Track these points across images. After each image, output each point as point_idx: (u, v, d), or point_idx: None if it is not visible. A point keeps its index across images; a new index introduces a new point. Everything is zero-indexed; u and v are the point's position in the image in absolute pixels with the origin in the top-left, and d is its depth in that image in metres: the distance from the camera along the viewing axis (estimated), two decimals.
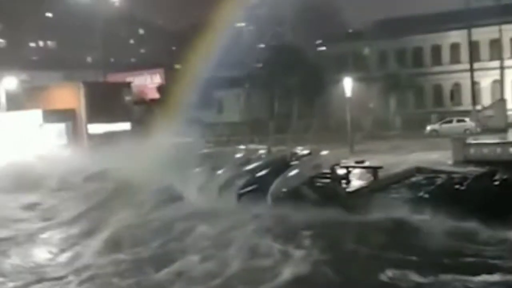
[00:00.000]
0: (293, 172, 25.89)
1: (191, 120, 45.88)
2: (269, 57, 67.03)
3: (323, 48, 72.35)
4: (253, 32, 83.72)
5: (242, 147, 36.48)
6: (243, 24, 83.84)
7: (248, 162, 28.66)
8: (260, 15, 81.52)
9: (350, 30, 75.81)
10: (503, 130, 44.15)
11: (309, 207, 23.42)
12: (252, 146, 37.52)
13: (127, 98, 52.49)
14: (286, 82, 61.72)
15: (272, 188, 24.79)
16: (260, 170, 27.23)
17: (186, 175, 28.06)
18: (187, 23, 79.33)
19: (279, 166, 27.45)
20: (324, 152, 28.83)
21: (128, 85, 55.06)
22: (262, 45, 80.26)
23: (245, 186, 25.97)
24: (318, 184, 26.91)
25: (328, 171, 27.72)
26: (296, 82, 61.21)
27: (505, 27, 56.53)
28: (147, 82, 65.41)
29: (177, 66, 66.22)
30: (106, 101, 47.47)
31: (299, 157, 29.14)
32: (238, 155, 30.89)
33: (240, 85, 66.93)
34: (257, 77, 65.13)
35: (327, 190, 26.25)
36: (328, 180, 27.51)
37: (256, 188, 25.83)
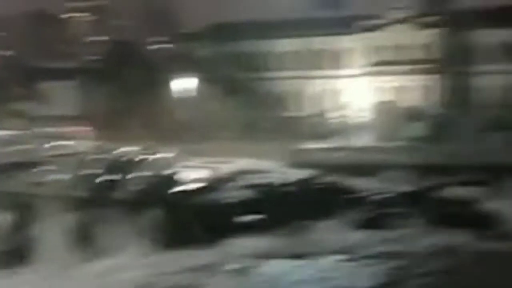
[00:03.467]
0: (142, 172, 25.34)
1: (13, 112, 42.67)
2: (106, 50, 64.56)
3: (163, 45, 71.26)
4: (86, 23, 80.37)
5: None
6: (79, 15, 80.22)
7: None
8: (99, 7, 78.62)
9: (190, 31, 75.51)
10: (328, 137, 46.22)
11: None
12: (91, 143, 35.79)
13: None
14: (123, 77, 59.76)
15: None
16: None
17: None
18: (13, 11, 74.16)
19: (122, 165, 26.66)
20: (165, 153, 28.49)
21: None
22: (98, 38, 77.41)
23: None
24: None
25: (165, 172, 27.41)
26: (134, 79, 59.49)
27: (333, 38, 59.09)
28: None
29: (4, 54, 61.54)
30: None
31: (140, 159, 28.42)
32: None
33: (71, 77, 63.61)
34: (92, 70, 62.36)
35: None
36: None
37: None
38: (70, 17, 68.44)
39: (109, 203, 24.72)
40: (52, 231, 24.25)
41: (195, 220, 23.92)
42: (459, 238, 24.26)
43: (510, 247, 23.37)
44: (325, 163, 31.29)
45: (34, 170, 26.98)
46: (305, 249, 22.90)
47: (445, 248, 23.52)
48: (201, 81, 56.47)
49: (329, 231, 24.20)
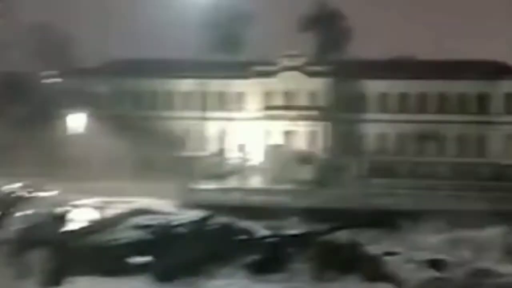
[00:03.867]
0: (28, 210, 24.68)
1: None
2: None
3: (56, 79, 69.56)
4: None
5: None
6: None
7: None
8: None
9: (86, 66, 74.30)
10: (223, 177, 46.87)
11: None
12: None
13: None
14: (12, 110, 57.68)
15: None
16: None
17: None
18: None
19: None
20: (54, 190, 27.79)
21: None
22: None
23: None
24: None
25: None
26: (24, 112, 57.59)
27: (232, 81, 60.67)
28: None
29: None
30: None
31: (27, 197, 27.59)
32: None
33: None
34: None
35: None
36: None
37: None
38: None
39: None
40: None
41: (83, 261, 23.56)
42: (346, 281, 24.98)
43: None
44: (219, 204, 31.53)
45: None
46: None
47: None
48: (95, 117, 55.72)
49: (220, 275, 24.28)
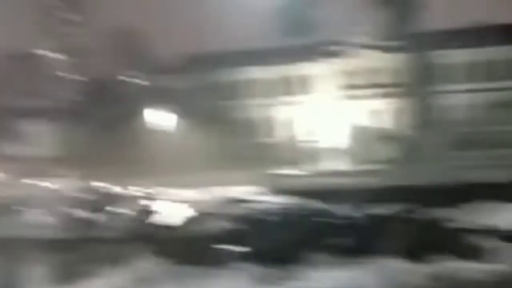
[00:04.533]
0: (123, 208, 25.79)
1: None
2: (82, 88, 64.97)
3: (138, 80, 71.70)
4: (67, 63, 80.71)
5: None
6: (50, 53, 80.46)
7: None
8: (75, 46, 79.00)
9: (166, 64, 76.03)
10: (307, 162, 46.95)
11: None
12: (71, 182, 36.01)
13: None
14: (99, 114, 60.19)
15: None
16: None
17: None
18: None
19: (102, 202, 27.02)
20: (145, 187, 28.84)
21: None
22: (75, 76, 77.68)
23: None
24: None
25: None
26: (110, 115, 59.92)
27: (298, 65, 60.22)
28: None
29: None
30: None
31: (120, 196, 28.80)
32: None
33: (51, 116, 63.84)
34: (71, 109, 62.69)
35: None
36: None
37: None
38: (46, 57, 68.76)
39: (92, 242, 25.03)
40: (36, 273, 24.51)
41: (180, 254, 24.31)
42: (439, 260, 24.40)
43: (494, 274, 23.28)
44: (304, 189, 31.64)
45: (15, 211, 27.19)
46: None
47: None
48: (177, 113, 57.16)
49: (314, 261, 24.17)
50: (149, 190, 29.25)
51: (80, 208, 26.33)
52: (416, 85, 51.67)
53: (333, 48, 55.56)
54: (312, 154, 49.67)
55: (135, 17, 76.73)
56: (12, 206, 27.89)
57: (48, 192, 30.22)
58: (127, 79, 71.66)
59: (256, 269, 23.28)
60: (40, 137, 63.50)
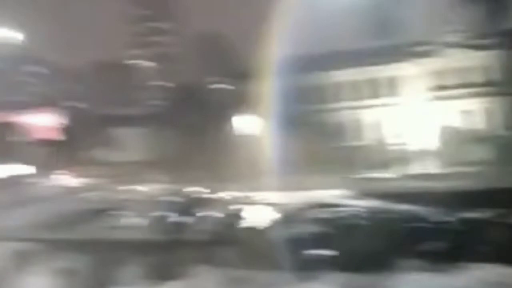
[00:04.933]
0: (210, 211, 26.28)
1: (91, 159, 44.71)
2: (170, 95, 66.77)
3: (224, 85, 72.77)
4: (153, 70, 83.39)
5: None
6: (143, 62, 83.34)
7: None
8: (161, 54, 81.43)
9: (248, 68, 76.71)
10: (394, 165, 45.95)
11: None
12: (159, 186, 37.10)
13: (17, 137, 50.22)
14: (186, 120, 61.53)
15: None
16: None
17: None
18: (82, 60, 77.78)
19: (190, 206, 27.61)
20: (230, 190, 29.15)
21: (16, 124, 52.52)
22: (163, 83, 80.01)
23: None
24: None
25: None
26: (196, 120, 61.12)
27: (385, 66, 59.10)
28: (40, 121, 63.09)
29: (72, 104, 64.42)
30: None
31: (208, 199, 29.31)
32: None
33: (140, 123, 65.99)
34: (159, 115, 64.55)
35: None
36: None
37: None
38: (135, 65, 71.27)
39: (182, 244, 25.58)
40: (130, 274, 25.37)
41: (267, 257, 24.42)
42: None
43: None
44: (391, 192, 31.01)
45: (109, 215, 28.15)
46: None
47: None
48: (263, 117, 57.50)
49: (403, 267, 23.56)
50: (237, 194, 29.54)
51: (170, 211, 26.94)
52: (508, 84, 49.47)
53: (421, 48, 54.12)
54: (401, 157, 48.57)
55: (221, 22, 78.09)
56: (107, 210, 28.92)
57: (140, 196, 31.17)
58: (215, 85, 72.95)
59: (345, 277, 22.95)
60: (132, 142, 65.72)
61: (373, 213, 26.68)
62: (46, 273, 26.40)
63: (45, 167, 43.74)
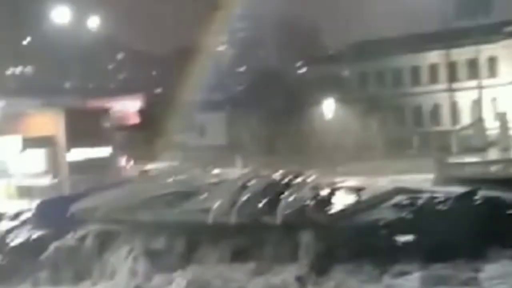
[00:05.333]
0: (292, 195, 26.11)
1: (174, 144, 45.72)
2: (250, 79, 67.27)
3: (304, 70, 72.64)
4: (234, 55, 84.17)
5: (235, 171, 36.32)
6: (224, 48, 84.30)
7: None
8: (242, 39, 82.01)
9: (330, 52, 76.30)
10: (482, 149, 44.39)
11: None
12: (241, 170, 37.40)
13: (107, 123, 52.10)
14: (268, 104, 61.84)
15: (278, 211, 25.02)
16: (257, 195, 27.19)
17: None
18: (168, 48, 79.54)
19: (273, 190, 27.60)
20: (313, 175, 28.98)
21: (107, 110, 54.66)
22: (243, 68, 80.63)
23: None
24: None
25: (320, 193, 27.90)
26: (278, 104, 61.32)
27: (482, 47, 57.21)
28: (127, 107, 65.01)
29: (158, 91, 66.08)
30: (85, 127, 46.93)
31: (290, 181, 29.19)
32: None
33: (222, 108, 66.95)
34: (239, 100, 65.21)
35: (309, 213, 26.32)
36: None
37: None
38: (216, 51, 72.05)
39: (265, 228, 25.62)
40: (213, 257, 25.73)
41: (348, 243, 24.07)
42: None
43: None
44: (481, 177, 29.71)
45: (194, 198, 28.57)
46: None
47: None
48: (344, 101, 56.83)
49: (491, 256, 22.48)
50: (321, 179, 29.27)
51: (254, 195, 27.06)
52: None
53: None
54: (494, 141, 46.64)
55: (305, 5, 77.61)
56: (190, 193, 29.36)
57: (224, 179, 31.46)
58: (298, 69, 72.84)
59: (430, 268, 22.15)
60: (215, 127, 66.74)
61: (458, 200, 25.63)
62: (129, 254, 27.17)
63: (130, 152, 44.97)
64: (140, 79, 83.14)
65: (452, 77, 57.90)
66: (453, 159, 33.91)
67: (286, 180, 29.04)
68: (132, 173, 38.98)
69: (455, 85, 57.55)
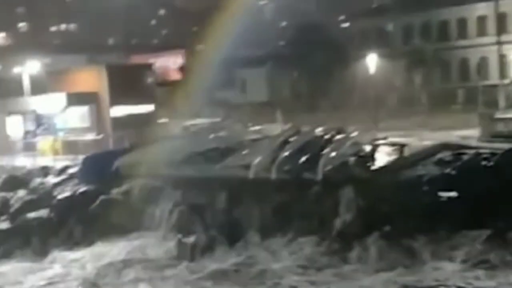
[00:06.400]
0: (334, 151, 25.96)
1: (215, 100, 45.81)
2: (292, 34, 66.47)
3: (347, 24, 71.37)
4: (275, 9, 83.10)
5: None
6: (264, 2, 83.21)
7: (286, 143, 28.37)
8: None
9: (374, 5, 74.66)
10: None
11: None
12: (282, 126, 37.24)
13: (150, 80, 52.46)
14: (309, 60, 61.18)
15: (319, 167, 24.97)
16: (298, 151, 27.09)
17: None
18: (208, 3, 78.87)
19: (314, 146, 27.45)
20: (355, 131, 28.68)
21: (150, 66, 55.00)
22: (284, 23, 79.61)
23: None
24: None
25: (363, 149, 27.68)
26: (320, 60, 60.60)
27: None
28: (169, 64, 65.27)
29: (199, 47, 65.94)
30: (128, 83, 47.36)
31: (332, 137, 28.93)
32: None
33: (263, 64, 66.51)
34: (280, 56, 64.65)
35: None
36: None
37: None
38: (258, 5, 71.28)
39: (305, 184, 25.61)
40: (254, 213, 25.94)
41: (391, 199, 23.89)
42: None
43: None
44: None
45: (235, 154, 28.67)
46: None
47: None
48: (389, 55, 55.77)
49: None
50: (360, 135, 28.91)
51: (296, 151, 26.98)
52: None
53: None
54: None
55: None
56: (232, 149, 29.41)
57: (266, 136, 31.39)
58: (337, 23, 71.55)
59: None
60: (257, 83, 66.55)
61: (504, 156, 24.95)
62: (173, 208, 27.66)
63: (172, 107, 45.28)
64: (182, 35, 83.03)
65: (501, 29, 55.95)
66: (499, 115, 32.98)
67: (327, 136, 28.75)
68: (174, 129, 39.28)
69: (504, 38, 55.64)
